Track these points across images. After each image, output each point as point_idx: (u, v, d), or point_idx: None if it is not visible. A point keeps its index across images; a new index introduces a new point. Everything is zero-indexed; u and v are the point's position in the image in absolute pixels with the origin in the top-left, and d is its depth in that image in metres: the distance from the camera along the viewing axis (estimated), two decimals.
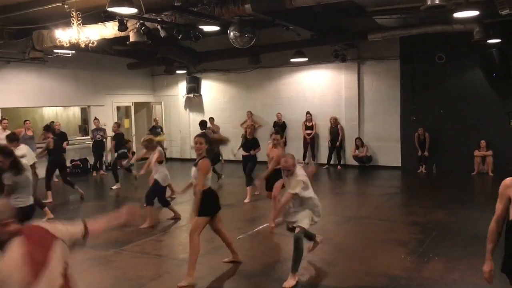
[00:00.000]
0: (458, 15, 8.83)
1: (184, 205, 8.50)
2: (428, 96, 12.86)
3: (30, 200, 5.40)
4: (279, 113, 14.55)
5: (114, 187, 11.18)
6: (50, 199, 9.53)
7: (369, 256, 5.97)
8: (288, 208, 5.19)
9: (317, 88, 14.35)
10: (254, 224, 7.51)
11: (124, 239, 6.90)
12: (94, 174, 13.76)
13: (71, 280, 2.43)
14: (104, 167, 14.32)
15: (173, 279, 5.27)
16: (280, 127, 13.39)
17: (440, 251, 5.99)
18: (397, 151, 13.34)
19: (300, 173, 5.07)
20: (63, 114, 17.18)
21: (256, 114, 15.19)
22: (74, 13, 8.00)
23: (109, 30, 9.17)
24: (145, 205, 7.57)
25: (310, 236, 5.53)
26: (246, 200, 9.19)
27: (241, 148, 9.92)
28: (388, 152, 13.42)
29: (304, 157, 13.98)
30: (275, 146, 7.43)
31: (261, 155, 9.74)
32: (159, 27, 8.83)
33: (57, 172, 10.38)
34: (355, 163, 13.80)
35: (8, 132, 10.52)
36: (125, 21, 8.51)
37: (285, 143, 11.84)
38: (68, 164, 13.15)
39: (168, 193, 8.82)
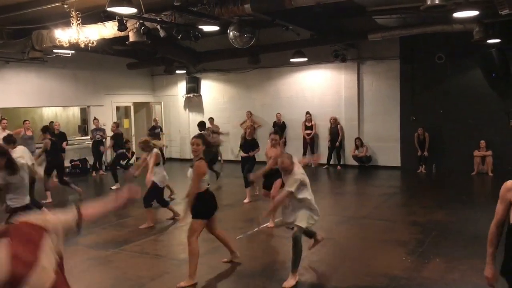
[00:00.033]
0: (458, 15, 8.83)
1: (184, 205, 8.47)
2: (428, 96, 12.86)
3: (26, 200, 5.38)
4: (279, 113, 14.55)
5: (113, 187, 11.17)
6: (49, 199, 9.53)
7: (369, 256, 5.97)
8: (285, 208, 5.19)
9: (316, 88, 14.35)
10: (254, 224, 7.50)
11: (124, 239, 6.90)
12: (94, 174, 13.75)
13: (64, 275, 2.33)
14: (103, 167, 14.32)
15: (172, 279, 5.26)
16: (279, 127, 13.41)
17: (440, 251, 5.99)
18: (396, 151, 13.34)
19: (299, 171, 5.07)
20: (62, 114, 17.18)
21: (256, 114, 15.19)
22: (73, 13, 8.00)
23: (109, 30, 9.17)
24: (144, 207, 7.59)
25: (310, 234, 5.53)
26: (246, 201, 9.18)
27: (240, 148, 9.90)
28: (388, 152, 13.43)
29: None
30: (274, 146, 7.44)
31: (261, 155, 9.73)
32: (158, 27, 8.82)
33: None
34: (354, 163, 13.80)
35: (7, 132, 10.54)
36: (124, 21, 8.51)
37: (284, 143, 11.85)
38: (67, 164, 13.16)
39: (168, 193, 8.82)
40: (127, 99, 16.19)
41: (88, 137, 14.48)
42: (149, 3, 8.03)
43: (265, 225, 7.33)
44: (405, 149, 13.15)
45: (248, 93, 15.43)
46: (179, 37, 9.01)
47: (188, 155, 15.95)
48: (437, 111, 12.70)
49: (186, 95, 16.34)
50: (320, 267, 5.65)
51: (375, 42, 11.77)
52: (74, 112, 17.30)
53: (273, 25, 10.26)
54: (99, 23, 9.09)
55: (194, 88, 16.10)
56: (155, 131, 13.51)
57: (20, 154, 7.48)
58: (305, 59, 13.23)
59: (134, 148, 14.72)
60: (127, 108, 16.66)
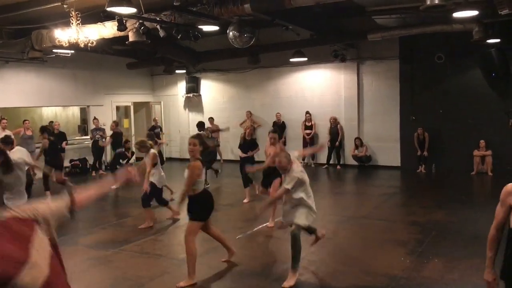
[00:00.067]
0: (457, 15, 8.83)
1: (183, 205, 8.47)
2: (428, 96, 12.86)
3: (23, 200, 5.37)
4: (278, 113, 14.56)
5: (113, 187, 11.16)
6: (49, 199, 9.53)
7: (369, 256, 5.97)
8: (284, 205, 5.22)
9: (316, 88, 14.35)
10: (254, 224, 7.50)
11: (124, 239, 6.90)
12: (94, 174, 13.74)
13: (60, 269, 2.24)
14: (103, 167, 14.31)
15: (172, 279, 5.27)
16: (279, 127, 13.40)
17: (440, 251, 5.99)
18: (396, 151, 13.34)
19: (297, 169, 5.08)
20: (62, 114, 17.18)
21: (256, 114, 15.20)
22: (73, 13, 7.99)
23: (108, 29, 9.17)
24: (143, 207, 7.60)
25: (311, 231, 5.53)
26: (245, 201, 9.17)
27: (239, 148, 9.88)
28: (388, 152, 13.43)
29: (304, 157, 13.99)
30: (273, 144, 7.47)
31: (260, 155, 9.73)
32: (158, 26, 8.82)
33: None
34: (354, 163, 13.80)
35: (7, 132, 10.54)
36: (124, 21, 8.50)
37: (284, 143, 11.85)
38: (67, 164, 13.17)
39: (168, 193, 8.81)
40: (127, 99, 16.19)
41: (88, 137, 14.48)
42: (148, 3, 8.03)
43: (264, 225, 7.34)
44: (405, 149, 13.16)
45: (248, 93, 15.43)
46: (178, 37, 9.00)
47: (188, 155, 15.93)
48: (437, 111, 12.70)
49: (186, 95, 16.34)
50: (320, 267, 5.65)
51: (374, 42, 11.77)
52: (74, 112, 17.30)
53: (273, 25, 10.26)
54: (99, 23, 9.09)
55: (193, 88, 16.10)
56: (154, 131, 13.51)
57: (20, 155, 7.48)
58: (305, 59, 13.23)
59: (134, 148, 14.72)
60: (126, 108, 16.66)
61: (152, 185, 7.58)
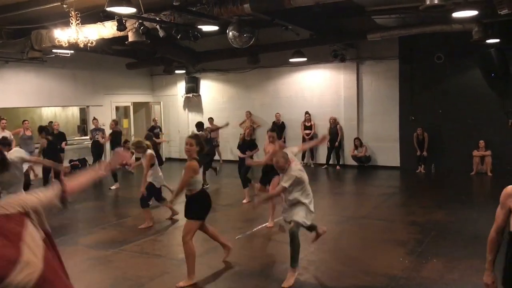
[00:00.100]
0: (457, 15, 8.83)
1: (183, 204, 8.47)
2: (427, 96, 12.87)
3: None
4: (278, 113, 14.56)
5: (113, 187, 11.16)
6: None
7: (368, 256, 5.97)
8: (283, 203, 5.25)
9: (316, 88, 14.35)
10: (253, 224, 7.50)
11: (124, 239, 6.90)
12: None
13: (55, 263, 2.21)
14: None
15: (172, 279, 5.27)
16: (278, 127, 13.40)
17: (439, 251, 5.99)
18: (396, 151, 13.35)
19: (295, 168, 5.08)
20: (61, 114, 17.18)
21: (255, 114, 15.19)
22: (73, 13, 8.00)
23: (108, 29, 9.17)
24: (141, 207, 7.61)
25: (311, 228, 5.53)
26: (245, 201, 9.16)
27: (238, 149, 9.86)
28: (387, 152, 13.43)
29: (303, 157, 13.99)
30: (272, 142, 7.49)
31: (260, 155, 9.73)
32: (158, 26, 8.82)
33: None
34: (354, 163, 13.81)
35: (6, 132, 10.53)
36: (124, 21, 8.50)
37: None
38: (67, 164, 13.15)
39: (168, 194, 8.78)
40: (127, 99, 16.18)
41: (88, 137, 14.45)
42: (148, 3, 8.03)
43: (264, 225, 7.34)
44: (404, 149, 13.16)
45: (248, 93, 15.43)
46: (178, 37, 9.00)
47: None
48: (436, 111, 12.71)
49: (186, 95, 16.33)
50: (319, 267, 5.65)
51: (374, 42, 11.78)
52: (73, 112, 17.30)
53: (273, 25, 10.25)
54: (98, 23, 9.08)
55: (193, 88, 16.09)
56: (154, 131, 13.51)
57: (17, 154, 7.47)
58: (305, 59, 13.23)
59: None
60: (126, 108, 16.65)
61: (151, 185, 7.58)
